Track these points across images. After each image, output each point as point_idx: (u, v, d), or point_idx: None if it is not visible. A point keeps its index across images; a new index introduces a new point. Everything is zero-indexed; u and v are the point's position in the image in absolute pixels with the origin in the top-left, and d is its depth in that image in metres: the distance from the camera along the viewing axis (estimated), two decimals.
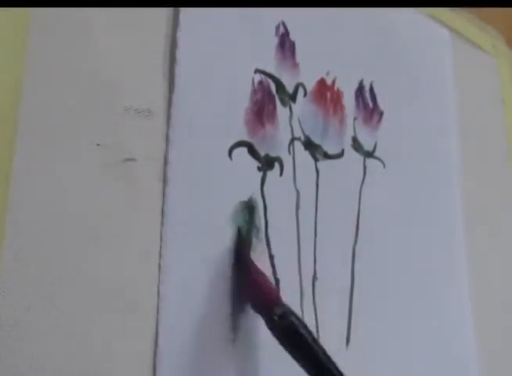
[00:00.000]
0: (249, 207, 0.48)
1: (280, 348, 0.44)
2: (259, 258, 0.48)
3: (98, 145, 0.42)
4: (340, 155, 0.57)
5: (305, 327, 0.44)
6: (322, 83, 0.57)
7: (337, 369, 0.44)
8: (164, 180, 0.44)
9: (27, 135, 0.39)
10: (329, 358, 0.44)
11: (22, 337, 0.36)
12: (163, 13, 0.47)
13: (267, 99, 0.52)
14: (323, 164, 0.55)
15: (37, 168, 0.39)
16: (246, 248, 0.47)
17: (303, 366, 0.44)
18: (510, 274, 0.73)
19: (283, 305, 0.44)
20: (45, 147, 0.39)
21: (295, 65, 0.55)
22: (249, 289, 0.46)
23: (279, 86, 0.53)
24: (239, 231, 0.47)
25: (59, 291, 0.38)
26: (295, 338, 0.44)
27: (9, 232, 0.37)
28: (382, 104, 0.62)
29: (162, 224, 0.44)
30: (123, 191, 0.43)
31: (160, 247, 0.43)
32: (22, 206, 0.38)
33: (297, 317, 0.44)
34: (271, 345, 0.45)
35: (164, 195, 0.44)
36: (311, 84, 0.56)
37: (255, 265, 0.46)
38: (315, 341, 0.44)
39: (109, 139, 0.42)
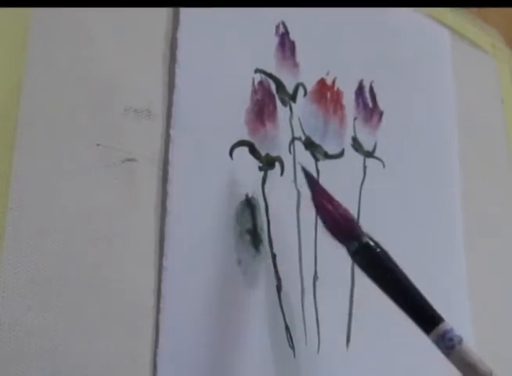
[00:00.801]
0: (250, 207, 0.48)
1: None
2: (263, 258, 0.49)
3: (98, 145, 0.42)
4: (341, 155, 0.57)
5: (387, 256, 0.44)
6: (322, 83, 0.57)
7: (421, 296, 0.43)
8: (165, 180, 0.44)
9: (27, 135, 0.39)
10: (413, 286, 0.43)
11: (22, 337, 0.36)
12: (163, 13, 0.47)
13: (267, 98, 0.52)
14: (324, 164, 0.55)
15: (37, 168, 0.39)
16: (318, 184, 0.47)
17: (388, 294, 0.43)
18: (510, 273, 0.73)
19: (361, 237, 0.44)
20: (45, 147, 0.39)
21: (295, 65, 0.55)
22: (328, 221, 0.45)
23: (280, 86, 0.53)
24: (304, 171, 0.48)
25: (59, 291, 0.38)
26: (377, 267, 0.43)
27: (9, 232, 0.37)
28: (382, 104, 0.62)
29: (162, 224, 0.44)
30: (123, 191, 0.43)
31: (160, 247, 0.43)
32: (22, 206, 0.38)
33: (377, 246, 0.44)
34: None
35: (164, 195, 0.44)
36: (311, 84, 0.56)
37: (332, 197, 0.46)
38: (398, 269, 0.43)
39: (109, 139, 0.42)
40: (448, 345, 0.41)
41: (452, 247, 0.66)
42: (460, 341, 0.41)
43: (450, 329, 0.42)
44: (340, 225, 0.45)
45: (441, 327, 0.42)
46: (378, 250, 0.44)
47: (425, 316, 0.43)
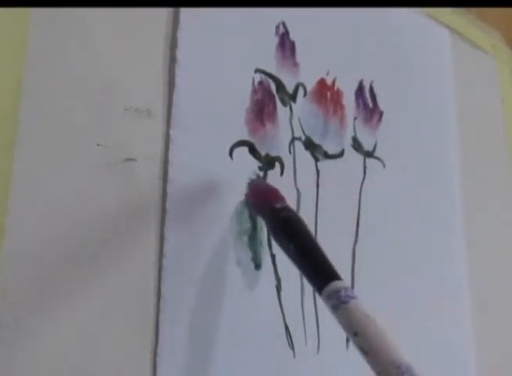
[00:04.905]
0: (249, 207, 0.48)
1: None
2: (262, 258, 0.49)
3: (98, 145, 0.42)
4: (341, 155, 0.57)
5: (303, 221, 0.43)
6: (322, 83, 0.57)
7: (330, 263, 0.40)
8: (165, 180, 0.44)
9: (27, 135, 0.39)
10: (324, 255, 0.40)
11: (22, 337, 0.36)
12: (163, 13, 0.47)
13: (267, 98, 0.52)
14: (323, 164, 0.55)
15: (37, 168, 0.39)
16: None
17: (296, 260, 0.41)
18: (510, 272, 0.73)
19: (285, 202, 0.44)
20: (45, 147, 0.39)
21: (295, 65, 0.55)
22: (255, 194, 0.46)
23: (280, 86, 0.53)
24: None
25: (59, 291, 0.38)
26: (292, 229, 0.42)
27: (9, 232, 0.37)
28: (382, 104, 0.62)
29: (162, 224, 0.44)
30: (123, 191, 0.43)
31: (160, 247, 0.43)
32: (22, 206, 0.38)
33: (295, 212, 0.44)
34: None
35: (164, 195, 0.44)
36: (311, 84, 0.56)
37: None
38: (312, 236, 0.42)
39: (109, 139, 0.42)
40: (341, 300, 0.37)
41: (453, 247, 0.66)
42: (353, 299, 0.37)
43: (343, 288, 0.38)
44: (272, 192, 0.45)
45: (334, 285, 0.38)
46: (297, 216, 0.43)
47: (320, 274, 0.39)
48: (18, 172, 0.38)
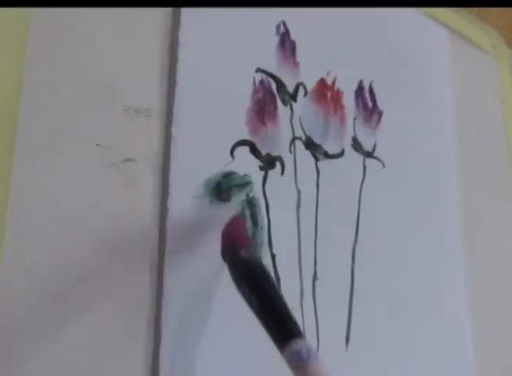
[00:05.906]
0: (251, 207, 0.48)
1: None
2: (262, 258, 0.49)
3: (98, 145, 0.42)
4: (341, 155, 0.57)
5: (268, 272, 0.42)
6: (322, 83, 0.57)
7: (293, 319, 0.39)
8: (165, 179, 0.44)
9: (27, 135, 0.39)
10: (287, 309, 0.39)
11: (22, 337, 0.36)
12: (163, 13, 0.47)
13: (268, 98, 0.52)
14: (324, 164, 0.55)
15: (37, 168, 0.39)
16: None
17: (258, 313, 0.40)
18: (510, 273, 0.73)
19: (252, 250, 0.43)
20: (45, 147, 0.39)
21: (296, 64, 0.55)
22: (225, 235, 0.44)
23: (280, 85, 0.53)
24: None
25: (59, 291, 0.38)
26: (255, 281, 0.41)
27: (9, 232, 0.37)
28: (382, 104, 0.62)
29: (162, 224, 0.44)
30: (123, 191, 0.43)
31: (160, 247, 0.43)
32: (22, 206, 0.38)
33: (261, 262, 0.43)
34: None
35: (164, 195, 0.44)
36: (311, 84, 0.56)
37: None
38: (276, 288, 0.41)
39: (109, 139, 0.42)
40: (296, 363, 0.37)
41: (452, 247, 0.66)
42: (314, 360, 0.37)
43: (304, 348, 0.37)
44: (241, 237, 0.44)
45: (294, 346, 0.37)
46: (261, 266, 0.42)
47: (281, 332, 0.38)
48: (18, 172, 0.38)
